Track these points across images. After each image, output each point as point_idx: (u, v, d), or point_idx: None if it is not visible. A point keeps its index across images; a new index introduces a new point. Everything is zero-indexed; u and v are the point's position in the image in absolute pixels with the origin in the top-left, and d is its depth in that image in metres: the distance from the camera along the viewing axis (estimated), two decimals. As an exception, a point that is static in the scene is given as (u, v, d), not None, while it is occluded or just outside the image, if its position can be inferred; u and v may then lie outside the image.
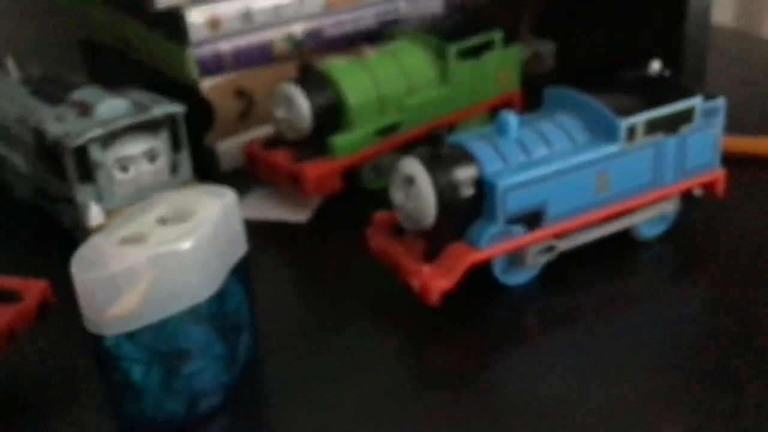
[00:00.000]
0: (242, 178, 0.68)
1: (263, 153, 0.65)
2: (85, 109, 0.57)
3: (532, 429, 0.44)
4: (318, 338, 0.52)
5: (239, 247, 0.46)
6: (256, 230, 0.61)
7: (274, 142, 0.66)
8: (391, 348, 0.51)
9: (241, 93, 0.71)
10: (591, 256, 0.56)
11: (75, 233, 0.60)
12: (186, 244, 0.42)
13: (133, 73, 0.75)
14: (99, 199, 0.57)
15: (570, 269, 0.56)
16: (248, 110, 0.71)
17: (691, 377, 0.47)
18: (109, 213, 0.58)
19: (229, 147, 0.71)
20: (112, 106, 0.57)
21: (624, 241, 0.58)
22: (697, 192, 0.59)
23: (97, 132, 0.56)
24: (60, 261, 0.53)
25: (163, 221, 0.44)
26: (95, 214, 0.57)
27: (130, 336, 0.42)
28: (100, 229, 0.57)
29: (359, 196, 0.66)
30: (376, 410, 0.46)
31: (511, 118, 0.52)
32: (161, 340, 0.43)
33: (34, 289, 0.49)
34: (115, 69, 0.78)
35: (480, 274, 0.53)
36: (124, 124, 0.56)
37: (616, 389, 0.47)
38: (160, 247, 0.41)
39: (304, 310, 0.55)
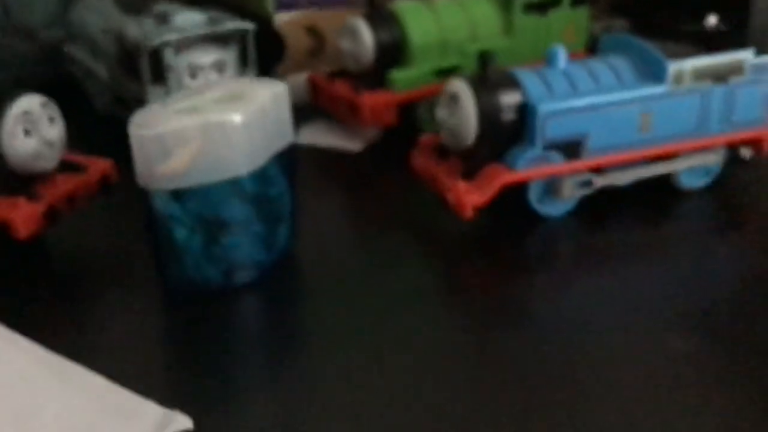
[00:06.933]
0: (307, 112, 0.71)
1: (326, 83, 0.69)
2: (163, 19, 0.62)
3: (557, 348, 0.46)
4: (356, 246, 0.56)
5: (285, 136, 0.49)
6: (312, 156, 0.65)
7: (337, 74, 0.69)
8: (426, 261, 0.54)
9: (312, 31, 0.74)
10: (631, 199, 0.57)
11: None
12: (234, 117, 0.45)
13: (212, 2, 0.79)
14: (168, 102, 0.61)
15: (608, 209, 0.57)
16: (319, 49, 0.75)
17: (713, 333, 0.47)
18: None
19: (297, 81, 0.74)
20: (189, 18, 0.62)
21: (665, 190, 0.58)
22: (745, 153, 0.60)
23: (172, 36, 0.60)
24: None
25: (217, 101, 0.47)
26: (162, 116, 0.61)
27: (177, 197, 0.45)
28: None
29: (414, 136, 0.69)
30: (401, 312, 0.48)
31: (560, 51, 0.54)
32: (205, 207, 0.46)
33: (98, 165, 0.54)
34: None
35: (516, 204, 0.55)
36: (196, 33, 0.60)
37: (644, 320, 0.47)
38: (210, 116, 0.45)
39: (347, 224, 0.59)
